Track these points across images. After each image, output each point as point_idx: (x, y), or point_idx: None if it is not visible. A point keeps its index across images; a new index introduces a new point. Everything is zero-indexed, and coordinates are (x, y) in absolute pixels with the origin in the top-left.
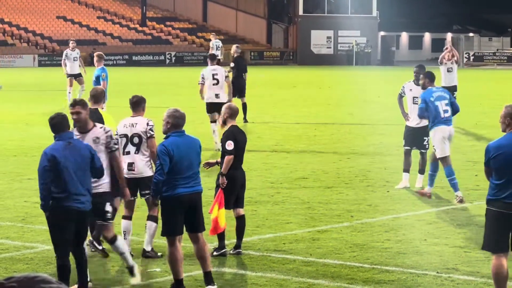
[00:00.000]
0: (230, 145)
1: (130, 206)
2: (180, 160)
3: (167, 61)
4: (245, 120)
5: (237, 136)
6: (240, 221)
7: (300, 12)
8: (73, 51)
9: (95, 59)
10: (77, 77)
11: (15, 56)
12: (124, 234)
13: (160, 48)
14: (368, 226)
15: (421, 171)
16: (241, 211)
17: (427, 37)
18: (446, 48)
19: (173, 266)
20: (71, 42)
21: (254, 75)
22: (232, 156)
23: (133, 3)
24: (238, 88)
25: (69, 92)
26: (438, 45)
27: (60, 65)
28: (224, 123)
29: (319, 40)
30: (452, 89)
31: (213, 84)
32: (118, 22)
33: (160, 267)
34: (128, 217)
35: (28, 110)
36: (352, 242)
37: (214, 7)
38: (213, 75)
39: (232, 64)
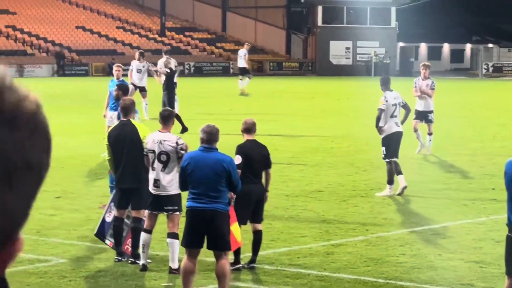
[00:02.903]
0: (237, 160)
1: (152, 220)
2: (192, 174)
3: (186, 71)
4: (186, 129)
5: (247, 151)
6: (257, 236)
7: (319, 23)
8: (140, 63)
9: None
10: (141, 90)
11: (34, 66)
12: (143, 247)
13: (179, 58)
14: (383, 240)
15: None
16: (258, 226)
17: (446, 48)
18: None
19: (182, 278)
20: (137, 53)
21: (272, 86)
22: (239, 171)
23: (152, 13)
24: (169, 101)
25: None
26: (457, 56)
27: (79, 74)
28: (243, 136)
29: (338, 51)
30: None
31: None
32: (137, 32)
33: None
34: (148, 231)
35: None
36: (367, 256)
37: (234, 17)
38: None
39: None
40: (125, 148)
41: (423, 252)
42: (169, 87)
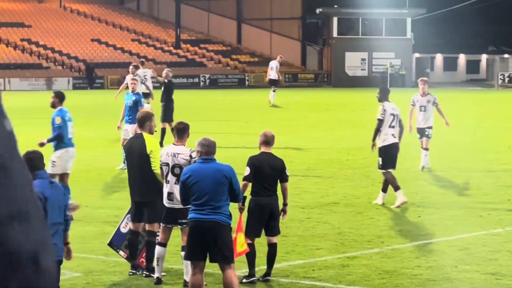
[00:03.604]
0: (246, 171)
1: (166, 233)
2: (193, 186)
3: (201, 83)
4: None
5: (257, 163)
6: (272, 249)
7: (335, 34)
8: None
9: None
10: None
11: (49, 79)
12: (158, 260)
13: (194, 70)
14: (399, 252)
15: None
16: (273, 239)
17: (462, 58)
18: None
19: None
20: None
21: (288, 98)
22: (245, 182)
23: (167, 25)
24: (168, 112)
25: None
26: (473, 66)
27: (95, 87)
28: (260, 148)
29: (353, 62)
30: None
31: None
32: (153, 45)
33: None
34: (163, 244)
35: None
36: (382, 268)
37: (249, 29)
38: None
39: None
40: (135, 162)
41: (438, 264)
42: (168, 99)
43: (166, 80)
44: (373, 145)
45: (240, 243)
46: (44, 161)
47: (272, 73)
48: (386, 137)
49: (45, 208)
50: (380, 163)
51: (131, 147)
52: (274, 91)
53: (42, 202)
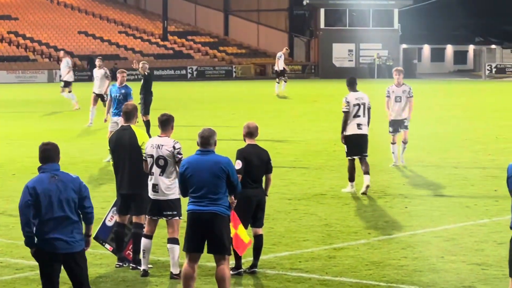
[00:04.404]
0: (238, 165)
1: (152, 225)
2: (191, 178)
3: (189, 75)
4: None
5: (247, 156)
6: (258, 240)
7: (322, 26)
8: (99, 69)
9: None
10: (102, 98)
11: (36, 72)
12: (144, 253)
13: (182, 62)
14: (385, 243)
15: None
16: (259, 230)
17: (449, 49)
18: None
19: (182, 283)
20: (97, 60)
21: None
22: (238, 176)
23: (155, 17)
24: (147, 105)
25: (91, 111)
26: (460, 57)
27: (81, 80)
28: (245, 140)
29: (340, 53)
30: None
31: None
32: (140, 37)
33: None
34: (149, 236)
35: (49, 126)
36: (369, 259)
37: (236, 21)
38: None
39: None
40: (124, 154)
41: (425, 255)
42: (146, 92)
43: (145, 73)
44: (343, 137)
45: (244, 234)
46: (58, 153)
47: (278, 64)
48: (351, 128)
49: (38, 203)
50: (346, 150)
51: (119, 139)
52: (278, 82)
53: (32, 198)
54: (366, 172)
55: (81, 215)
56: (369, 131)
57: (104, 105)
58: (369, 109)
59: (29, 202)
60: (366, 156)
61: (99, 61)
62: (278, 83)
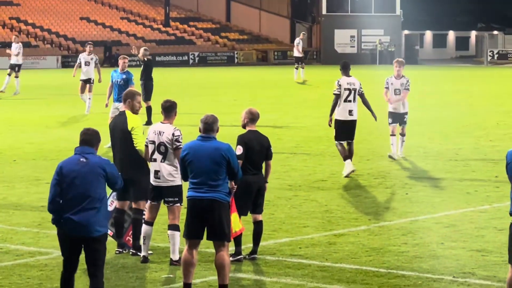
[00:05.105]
0: (238, 150)
1: (153, 211)
2: (191, 163)
3: (191, 61)
4: (150, 123)
5: (248, 142)
6: (257, 227)
7: (324, 12)
8: (88, 55)
9: (124, 61)
10: (87, 82)
11: (38, 58)
12: (144, 239)
13: (184, 48)
14: (386, 229)
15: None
16: (259, 216)
17: (451, 35)
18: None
19: (182, 269)
20: (88, 45)
21: (278, 75)
22: (239, 161)
23: (157, 3)
24: (147, 91)
25: (83, 99)
26: (462, 43)
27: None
28: (244, 127)
29: (342, 39)
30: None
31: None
32: (142, 23)
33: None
34: (149, 223)
35: (50, 112)
36: (369, 246)
37: (238, 7)
38: None
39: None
40: (117, 139)
41: (425, 241)
42: (147, 77)
43: (145, 59)
44: (330, 120)
45: (236, 222)
46: (97, 139)
47: (296, 50)
48: (342, 112)
49: (62, 183)
50: (335, 134)
51: (115, 124)
52: (296, 68)
53: (58, 177)
54: (350, 157)
55: (104, 200)
56: (370, 115)
57: (90, 90)
58: (362, 94)
59: (55, 181)
60: (353, 140)
61: (90, 47)
62: (297, 69)
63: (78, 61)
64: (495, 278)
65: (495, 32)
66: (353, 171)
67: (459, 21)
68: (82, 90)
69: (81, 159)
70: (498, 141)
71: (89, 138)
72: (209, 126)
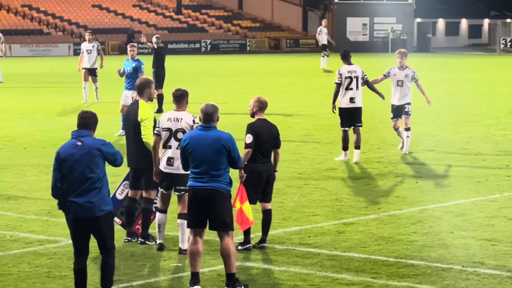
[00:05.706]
0: (248, 139)
1: (165, 200)
2: (192, 153)
3: (203, 49)
4: (161, 110)
5: (257, 130)
6: (266, 216)
7: (336, 0)
8: (89, 43)
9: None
10: (91, 73)
11: (50, 45)
12: (159, 227)
13: (196, 36)
14: (395, 218)
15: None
16: (268, 205)
17: (464, 23)
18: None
19: (189, 259)
20: (87, 33)
21: (289, 63)
22: (249, 150)
23: None
24: (159, 79)
25: (84, 87)
26: (475, 31)
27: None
28: (253, 116)
29: (354, 27)
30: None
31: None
32: (154, 10)
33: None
34: (163, 211)
35: (61, 100)
36: (378, 235)
37: None
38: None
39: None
40: (129, 129)
41: (434, 230)
42: (159, 65)
43: (155, 46)
44: (333, 107)
45: (249, 211)
46: (94, 122)
47: (321, 38)
48: (344, 100)
49: (62, 168)
50: (339, 121)
51: (128, 113)
52: (323, 56)
53: (57, 163)
54: (357, 147)
55: (104, 179)
56: (382, 103)
57: (94, 81)
58: (366, 80)
59: (55, 167)
60: (360, 126)
61: (89, 35)
62: (323, 57)
63: (81, 52)
64: (505, 268)
65: (508, 20)
66: (344, 161)
67: (472, 9)
68: (86, 79)
69: (77, 143)
70: (510, 130)
71: (86, 122)
72: (209, 116)
